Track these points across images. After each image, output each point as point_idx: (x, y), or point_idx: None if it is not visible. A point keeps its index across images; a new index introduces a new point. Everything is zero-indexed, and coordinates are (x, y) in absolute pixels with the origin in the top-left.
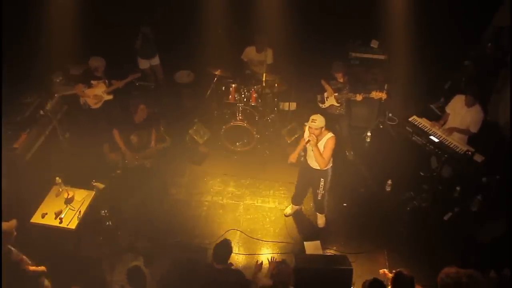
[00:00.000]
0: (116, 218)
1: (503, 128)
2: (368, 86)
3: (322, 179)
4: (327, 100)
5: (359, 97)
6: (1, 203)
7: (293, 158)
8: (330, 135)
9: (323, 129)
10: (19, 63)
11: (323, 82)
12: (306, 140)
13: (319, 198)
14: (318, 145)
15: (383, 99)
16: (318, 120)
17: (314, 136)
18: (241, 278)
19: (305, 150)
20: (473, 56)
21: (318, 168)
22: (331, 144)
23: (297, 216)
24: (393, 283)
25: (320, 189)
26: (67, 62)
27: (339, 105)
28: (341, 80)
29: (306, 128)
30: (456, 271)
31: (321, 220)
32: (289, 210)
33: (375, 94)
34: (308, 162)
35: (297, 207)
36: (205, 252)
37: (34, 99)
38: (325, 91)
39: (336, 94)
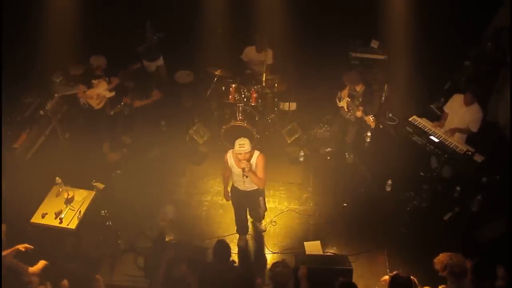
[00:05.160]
0: (116, 218)
1: (503, 128)
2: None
3: (260, 198)
4: (342, 100)
5: (359, 114)
6: (1, 203)
7: (227, 197)
8: (257, 153)
9: (251, 150)
10: (19, 63)
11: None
12: (241, 169)
13: (261, 215)
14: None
15: (371, 126)
16: (246, 144)
17: (246, 163)
18: (244, 276)
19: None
20: (473, 56)
21: (254, 188)
22: (262, 162)
23: (296, 216)
24: (390, 285)
25: (261, 206)
26: (67, 62)
27: (347, 110)
28: (358, 90)
29: (230, 155)
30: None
31: (261, 225)
32: (241, 242)
33: (368, 119)
34: (240, 187)
35: (246, 236)
36: (205, 252)
37: (34, 99)
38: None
39: (349, 100)
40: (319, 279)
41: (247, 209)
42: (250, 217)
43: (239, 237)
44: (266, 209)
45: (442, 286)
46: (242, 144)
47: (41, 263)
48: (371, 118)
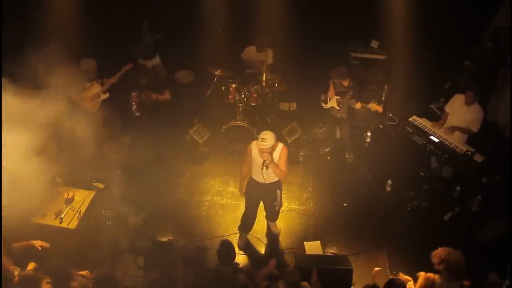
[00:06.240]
0: (116, 218)
1: (503, 128)
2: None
3: (278, 191)
4: (329, 101)
5: (358, 105)
6: (1, 203)
7: (242, 191)
8: (281, 145)
9: (275, 144)
10: (18, 63)
11: (330, 82)
12: (262, 161)
13: (276, 209)
14: (273, 159)
15: (379, 111)
16: (268, 139)
17: (268, 155)
18: (250, 277)
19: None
20: (473, 56)
21: (273, 181)
22: (285, 154)
23: (296, 216)
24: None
25: (277, 201)
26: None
27: (339, 108)
28: (346, 84)
29: (253, 146)
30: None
31: (275, 227)
32: (240, 241)
33: (372, 106)
34: (258, 179)
35: (247, 234)
36: (205, 252)
37: None
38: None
39: (339, 97)
40: (319, 279)
41: (262, 204)
42: (266, 212)
43: (239, 236)
44: (281, 204)
45: (430, 274)
46: (265, 139)
47: (30, 266)
48: (375, 104)
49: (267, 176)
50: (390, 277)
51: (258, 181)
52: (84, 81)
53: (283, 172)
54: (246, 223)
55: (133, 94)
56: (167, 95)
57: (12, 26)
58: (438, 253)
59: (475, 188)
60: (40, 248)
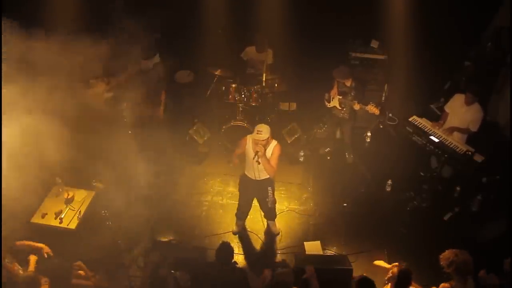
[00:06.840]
0: (116, 218)
1: (503, 128)
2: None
3: (269, 188)
4: (332, 100)
5: (357, 106)
6: (1, 203)
7: (235, 158)
8: (275, 142)
9: (269, 138)
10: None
11: (335, 81)
12: (254, 153)
13: (269, 206)
14: (265, 154)
15: (375, 114)
16: (264, 131)
17: (261, 147)
18: (246, 277)
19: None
20: (473, 56)
21: (264, 177)
22: (277, 152)
23: (296, 216)
24: (399, 278)
25: (269, 197)
26: None
27: (341, 108)
28: (348, 85)
29: (249, 139)
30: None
31: (275, 226)
32: (236, 228)
33: (370, 108)
34: (250, 175)
35: (243, 222)
36: (205, 252)
37: None
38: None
39: (341, 97)
40: (319, 279)
41: (256, 200)
42: (261, 210)
43: (236, 222)
44: (275, 201)
45: (444, 284)
46: (260, 131)
47: (33, 260)
48: (372, 106)
49: (260, 173)
50: (390, 275)
51: (250, 178)
52: (89, 78)
53: (273, 169)
54: (240, 213)
55: (124, 104)
56: (163, 99)
57: (12, 19)
58: (446, 256)
59: (475, 188)
60: (46, 256)
